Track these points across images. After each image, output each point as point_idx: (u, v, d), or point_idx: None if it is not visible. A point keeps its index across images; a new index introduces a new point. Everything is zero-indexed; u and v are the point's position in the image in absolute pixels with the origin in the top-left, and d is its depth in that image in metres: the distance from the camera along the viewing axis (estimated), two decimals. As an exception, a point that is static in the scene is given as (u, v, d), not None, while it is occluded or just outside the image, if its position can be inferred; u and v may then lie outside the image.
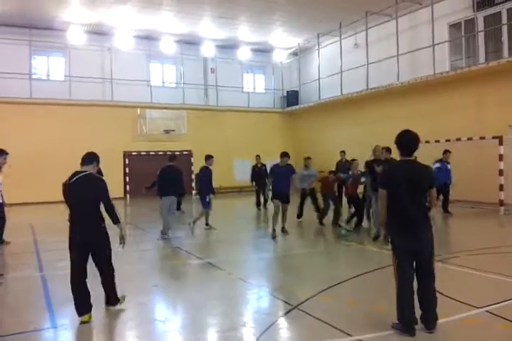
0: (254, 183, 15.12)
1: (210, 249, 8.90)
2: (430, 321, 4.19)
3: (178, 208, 13.98)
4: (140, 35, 20.07)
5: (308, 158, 12.26)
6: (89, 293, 4.73)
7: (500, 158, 12.50)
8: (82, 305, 4.64)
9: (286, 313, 4.80)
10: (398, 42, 16.67)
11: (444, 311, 4.31)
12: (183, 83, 21.78)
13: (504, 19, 14.16)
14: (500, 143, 12.45)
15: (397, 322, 4.19)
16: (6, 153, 8.64)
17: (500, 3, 14.15)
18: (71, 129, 18.74)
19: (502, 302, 4.90)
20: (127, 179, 20.27)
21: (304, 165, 12.13)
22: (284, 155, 9.99)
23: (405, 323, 4.13)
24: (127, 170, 20.31)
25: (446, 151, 12.87)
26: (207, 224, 11.09)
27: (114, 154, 19.58)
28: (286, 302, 5.19)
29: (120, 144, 19.84)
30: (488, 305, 4.78)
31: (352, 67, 18.73)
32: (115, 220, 4.88)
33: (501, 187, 12.57)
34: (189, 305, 5.36)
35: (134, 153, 20.47)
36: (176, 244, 9.22)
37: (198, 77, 22.24)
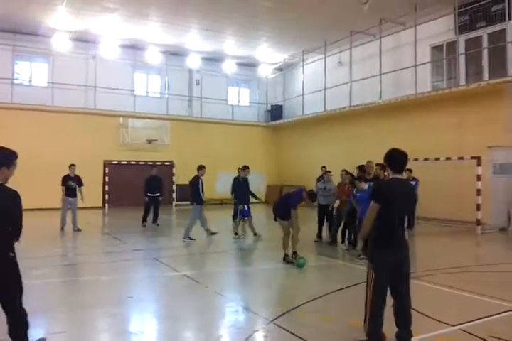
0: (233, 195, 14.96)
1: (188, 262, 8.78)
2: (405, 338, 4.19)
3: (155, 220, 13.75)
4: (126, 45, 20.07)
5: (328, 171, 11.55)
6: None
7: (478, 178, 12.75)
8: None
9: (262, 328, 4.75)
10: (381, 62, 17.02)
11: (418, 328, 4.31)
12: (168, 94, 21.78)
13: (485, 43, 14.59)
14: (479, 164, 12.71)
15: (364, 338, 4.17)
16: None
17: (481, 28, 14.59)
18: (52, 136, 18.51)
19: (475, 320, 4.94)
20: (106, 188, 20.02)
21: (320, 178, 11.59)
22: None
23: (376, 339, 4.12)
24: (107, 179, 20.07)
25: (407, 170, 12.68)
26: (236, 234, 11.74)
27: (95, 163, 19.39)
28: (262, 316, 5.14)
29: (101, 153, 19.65)
30: (461, 323, 4.81)
31: (335, 84, 19.04)
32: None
33: (478, 207, 12.79)
34: (164, 317, 5.27)
35: (114, 162, 20.26)
36: (154, 255, 9.08)
37: (182, 88, 22.30)
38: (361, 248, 4.64)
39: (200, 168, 11.65)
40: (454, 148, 14.32)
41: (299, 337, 4.45)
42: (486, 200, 13.08)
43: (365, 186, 8.87)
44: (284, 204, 8.44)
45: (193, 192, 11.40)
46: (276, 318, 5.01)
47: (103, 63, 19.98)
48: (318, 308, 5.56)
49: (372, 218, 4.28)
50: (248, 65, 23.39)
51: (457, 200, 14.20)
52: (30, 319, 4.45)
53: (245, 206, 11.63)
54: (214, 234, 11.68)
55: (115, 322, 5.09)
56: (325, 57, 19.81)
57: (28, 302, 5.39)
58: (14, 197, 3.67)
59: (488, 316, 5.10)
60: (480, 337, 4.42)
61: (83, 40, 19.31)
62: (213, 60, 22.32)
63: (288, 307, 5.42)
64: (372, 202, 4.31)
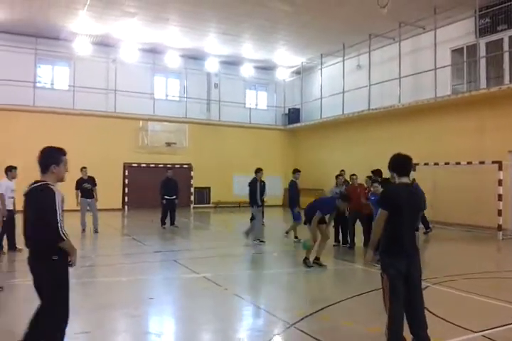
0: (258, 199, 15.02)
1: (207, 264, 8.77)
2: (423, 342, 4.17)
3: (172, 223, 13.85)
4: (145, 49, 20.32)
5: (340, 174, 11.72)
6: None
7: (500, 183, 12.56)
8: None
9: (282, 331, 4.77)
10: (400, 65, 16.91)
11: (440, 334, 4.29)
12: (186, 97, 21.98)
13: (506, 46, 14.41)
14: (500, 169, 12.52)
15: None
16: (15, 168, 9.31)
17: (502, 31, 14.41)
18: (73, 139, 18.74)
19: (498, 327, 4.88)
20: (126, 190, 20.26)
21: (336, 183, 11.57)
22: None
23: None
24: (126, 181, 20.31)
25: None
26: (296, 237, 11.55)
27: (115, 165, 19.65)
28: (282, 319, 5.15)
29: (121, 155, 19.91)
30: (484, 330, 4.76)
31: (354, 87, 18.97)
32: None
33: (500, 212, 12.59)
34: (184, 319, 5.33)
35: (134, 165, 20.49)
36: (174, 257, 9.17)
37: (201, 92, 22.46)
38: (370, 257, 4.55)
39: (258, 170, 11.69)
40: (475, 153, 14.12)
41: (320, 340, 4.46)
42: (507, 205, 12.88)
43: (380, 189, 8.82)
44: (313, 208, 8.33)
45: (251, 194, 11.50)
46: (296, 322, 5.03)
47: (123, 67, 20.26)
48: (338, 313, 5.56)
49: (380, 225, 4.25)
50: (266, 68, 23.47)
51: (478, 205, 14.00)
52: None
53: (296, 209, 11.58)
54: (263, 241, 11.30)
55: (136, 323, 5.17)
56: (343, 61, 19.77)
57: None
58: (44, 196, 3.50)
59: (510, 323, 5.03)
60: (503, 344, 4.38)
61: (104, 44, 19.62)
62: (231, 63, 22.46)
63: (308, 311, 5.42)
64: (380, 209, 4.30)
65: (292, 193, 12.07)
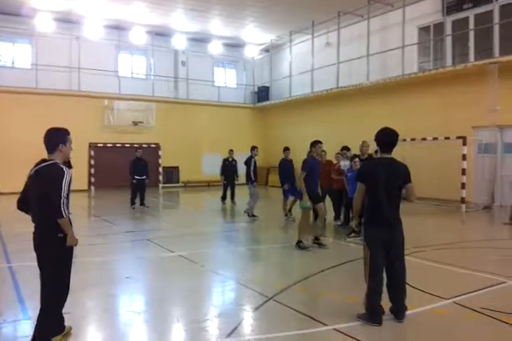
0: (222, 177, 15.04)
1: (181, 242, 8.72)
2: (400, 312, 4.34)
3: (142, 203, 13.71)
4: (110, 25, 19.66)
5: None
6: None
7: (464, 157, 12.99)
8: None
9: (262, 304, 4.86)
10: (369, 43, 17.00)
11: (412, 302, 4.47)
12: (153, 75, 21.49)
13: (471, 24, 14.67)
14: (464, 144, 12.94)
15: (363, 312, 4.32)
16: None
17: (468, 9, 14.64)
18: (36, 119, 18.10)
19: (468, 293, 5.14)
20: (92, 171, 19.86)
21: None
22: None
23: (374, 313, 4.26)
24: (92, 161, 19.90)
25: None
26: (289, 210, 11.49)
27: (80, 145, 19.09)
28: (261, 293, 5.24)
29: (86, 135, 19.37)
30: (454, 297, 4.99)
31: (323, 65, 18.99)
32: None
33: (463, 186, 13.07)
34: (163, 296, 5.34)
35: (99, 145, 20.04)
36: (147, 236, 9.12)
37: (168, 70, 22.00)
38: (356, 225, 4.75)
39: (253, 148, 12.00)
40: (440, 129, 14.48)
41: (300, 312, 4.57)
42: (470, 179, 13.38)
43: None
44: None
45: (246, 171, 11.88)
46: (275, 295, 5.13)
47: (87, 44, 19.56)
48: (315, 285, 5.70)
49: (359, 197, 4.47)
50: (235, 45, 23.15)
51: (443, 180, 14.45)
52: (31, 301, 4.52)
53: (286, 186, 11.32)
54: (254, 216, 11.48)
55: (115, 302, 5.17)
56: (312, 38, 19.70)
57: (27, 284, 5.47)
58: (56, 175, 3.65)
59: (480, 289, 5.30)
60: (472, 309, 4.61)
61: (67, 20, 18.83)
62: (199, 40, 22.03)
63: (285, 284, 5.54)
64: (358, 182, 4.46)
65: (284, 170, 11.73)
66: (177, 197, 19.32)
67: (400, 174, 4.42)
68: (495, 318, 4.36)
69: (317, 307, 4.76)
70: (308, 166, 7.72)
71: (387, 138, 4.48)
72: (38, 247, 3.73)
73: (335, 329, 4.14)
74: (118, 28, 20.00)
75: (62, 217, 3.58)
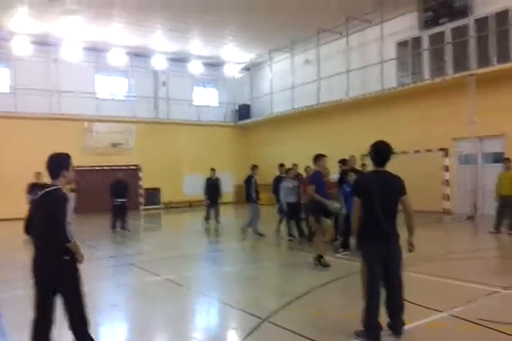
0: (206, 197, 14.83)
1: (166, 265, 8.48)
2: (398, 327, 4.26)
3: (123, 226, 13.36)
4: (89, 47, 19.55)
5: (291, 168, 11.71)
6: None
7: (446, 169, 13.14)
8: None
9: (257, 327, 4.70)
10: (349, 59, 17.27)
11: (409, 316, 4.37)
12: (133, 96, 21.39)
13: (448, 38, 15.03)
14: (446, 155, 13.10)
15: (361, 329, 4.22)
16: None
17: (444, 23, 15.01)
18: (16, 143, 17.83)
19: (463, 305, 5.07)
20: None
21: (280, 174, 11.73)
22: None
23: (372, 330, 4.16)
24: (73, 185, 19.48)
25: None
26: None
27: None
28: (253, 315, 5.08)
29: (66, 159, 19.04)
30: (450, 309, 4.93)
31: (303, 82, 19.19)
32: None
33: (446, 197, 13.17)
34: (154, 323, 5.13)
35: (79, 168, 19.68)
36: (131, 261, 8.88)
37: (148, 90, 21.92)
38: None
39: (253, 167, 11.94)
40: (421, 141, 14.66)
41: (298, 333, 4.44)
42: (452, 190, 13.50)
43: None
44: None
45: (246, 191, 11.71)
46: (269, 316, 4.98)
47: (65, 66, 19.37)
48: (309, 304, 5.56)
49: (357, 213, 4.37)
50: (214, 64, 23.24)
51: (425, 191, 14.49)
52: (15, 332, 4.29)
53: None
54: (262, 235, 11.34)
55: (102, 331, 4.94)
56: (292, 56, 19.95)
57: (9, 316, 5.20)
58: (57, 200, 3.71)
59: (474, 300, 5.24)
60: (470, 321, 4.54)
61: (44, 43, 18.63)
62: (179, 60, 22.06)
63: (278, 304, 5.39)
64: (354, 197, 4.40)
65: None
66: (159, 218, 19.01)
67: (395, 187, 4.38)
68: (493, 329, 4.30)
69: (314, 326, 4.62)
70: (318, 180, 7.65)
71: (380, 151, 4.46)
72: (43, 270, 3.76)
73: (333, 349, 4.02)
74: (96, 49, 19.91)
75: (70, 241, 3.69)
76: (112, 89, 21.41)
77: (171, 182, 21.70)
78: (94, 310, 5.63)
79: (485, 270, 7.19)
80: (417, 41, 15.81)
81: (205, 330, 4.88)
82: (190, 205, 21.75)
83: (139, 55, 20.97)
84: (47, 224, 3.67)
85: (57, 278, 3.77)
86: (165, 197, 21.87)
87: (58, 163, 3.93)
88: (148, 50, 20.63)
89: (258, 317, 4.97)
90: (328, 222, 7.89)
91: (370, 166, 7.64)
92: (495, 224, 10.43)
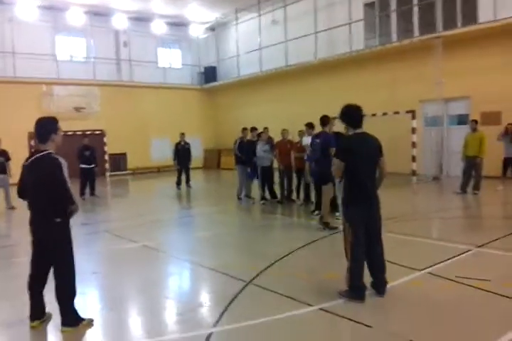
0: (176, 162, 14.64)
1: (142, 232, 8.37)
2: (381, 286, 4.40)
3: (92, 193, 13.15)
4: (45, 5, 18.37)
5: (262, 131, 11.28)
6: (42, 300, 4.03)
7: (413, 131, 13.39)
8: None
9: (242, 290, 4.77)
10: (316, 20, 16.94)
11: (389, 276, 4.51)
12: (94, 57, 20.45)
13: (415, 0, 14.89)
14: (413, 118, 13.31)
15: (345, 289, 4.35)
16: None
17: (412, -15, 14.83)
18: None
19: (439, 263, 5.30)
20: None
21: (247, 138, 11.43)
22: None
23: (357, 289, 4.29)
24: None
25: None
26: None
27: (18, 135, 17.97)
28: (238, 278, 5.14)
29: (25, 124, 18.08)
30: (428, 267, 5.14)
31: (271, 43, 18.78)
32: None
33: (414, 159, 13.51)
34: (138, 289, 5.13)
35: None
36: (104, 228, 8.75)
37: (109, 51, 20.99)
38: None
39: (243, 130, 11.62)
40: (389, 104, 14.77)
41: (282, 294, 4.53)
42: (419, 152, 13.83)
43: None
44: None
45: (235, 153, 11.58)
46: (253, 279, 5.06)
47: (21, 26, 18.21)
48: (290, 265, 5.67)
49: (337, 172, 4.44)
50: (178, 24, 22.38)
51: (393, 153, 14.72)
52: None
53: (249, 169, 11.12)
54: (251, 198, 11.23)
55: (87, 299, 4.90)
56: (259, 16, 19.39)
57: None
58: (55, 165, 3.73)
59: (449, 258, 5.48)
60: (447, 278, 4.75)
61: (-3, 0, 17.42)
62: (141, 19, 21.09)
63: (260, 267, 5.46)
64: (336, 160, 4.39)
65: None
66: (127, 185, 18.70)
67: (376, 148, 4.44)
68: (469, 285, 4.52)
69: (297, 287, 4.72)
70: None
71: (355, 113, 4.46)
72: (37, 232, 3.87)
73: (321, 309, 4.13)
74: (54, 8, 18.73)
75: (74, 203, 3.84)
76: (72, 51, 20.36)
77: (137, 147, 21.26)
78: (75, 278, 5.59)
79: (455, 229, 7.51)
80: (384, 2, 15.62)
81: (191, 295, 4.92)
82: (159, 170, 21.50)
83: (99, 14, 19.91)
84: (47, 188, 3.71)
85: (47, 242, 3.86)
86: (132, 162, 21.47)
87: (46, 126, 3.91)
88: (108, 8, 19.57)
89: (242, 280, 5.03)
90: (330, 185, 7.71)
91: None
92: (461, 185, 10.81)
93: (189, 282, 5.49)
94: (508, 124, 11.08)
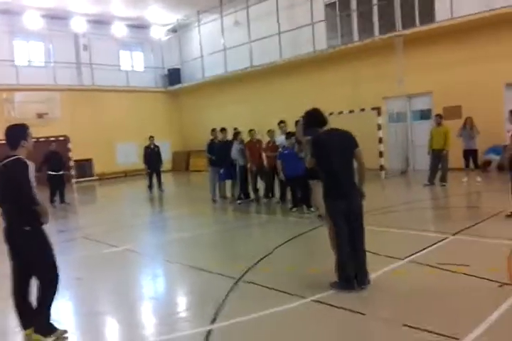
0: (146, 166, 14.49)
1: (120, 236, 8.30)
2: (363, 277, 4.53)
3: (62, 200, 12.81)
4: (1, 10, 17.78)
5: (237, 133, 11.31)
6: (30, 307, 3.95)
7: (379, 127, 13.77)
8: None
9: (233, 286, 4.83)
10: (279, 21, 17.14)
11: (371, 266, 4.66)
12: (53, 62, 19.94)
13: (375, -1, 15.34)
14: (379, 114, 13.69)
15: (335, 280, 4.49)
16: None
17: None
18: None
19: (419, 251, 5.53)
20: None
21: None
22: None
23: (347, 280, 4.43)
24: (-3, 161, 18.18)
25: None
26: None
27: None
28: (227, 276, 5.19)
29: (-14, 132, 17.62)
30: (408, 256, 5.36)
31: (235, 44, 18.86)
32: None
33: (381, 154, 13.89)
34: (126, 293, 5.10)
35: (2, 142, 18.32)
36: (82, 234, 8.61)
37: (69, 55, 20.51)
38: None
39: (212, 130, 11.79)
40: (355, 101, 15.11)
41: (274, 289, 4.63)
42: (385, 147, 14.23)
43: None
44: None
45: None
46: (242, 276, 5.13)
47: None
48: (277, 261, 5.78)
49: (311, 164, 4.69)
50: (139, 26, 22.13)
51: (362, 150, 15.15)
52: None
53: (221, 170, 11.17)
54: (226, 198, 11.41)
55: (73, 304, 4.85)
56: (221, 17, 19.43)
57: None
58: (21, 165, 3.78)
59: (428, 247, 5.73)
60: (430, 265, 4.97)
61: None
62: (101, 22, 20.73)
63: (247, 264, 5.54)
64: (309, 157, 4.63)
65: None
66: (95, 191, 18.35)
67: (348, 139, 4.59)
68: (450, 270, 4.75)
69: (287, 282, 4.83)
70: None
71: (318, 118, 4.69)
72: (8, 241, 3.84)
73: (314, 300, 4.25)
74: (10, 12, 18.15)
75: (38, 204, 3.75)
76: (30, 55, 19.79)
77: (102, 153, 20.85)
78: (59, 285, 5.50)
79: (429, 219, 7.83)
80: (345, 3, 15.99)
81: (182, 295, 4.95)
82: (126, 175, 21.19)
83: (57, 17, 19.39)
84: (14, 191, 3.70)
85: (21, 250, 3.84)
86: (98, 168, 21.05)
87: (15, 133, 3.99)
88: (66, 11, 19.12)
89: (231, 277, 5.09)
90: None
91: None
92: (429, 177, 11.23)
93: (178, 282, 5.50)
94: (467, 118, 11.55)
